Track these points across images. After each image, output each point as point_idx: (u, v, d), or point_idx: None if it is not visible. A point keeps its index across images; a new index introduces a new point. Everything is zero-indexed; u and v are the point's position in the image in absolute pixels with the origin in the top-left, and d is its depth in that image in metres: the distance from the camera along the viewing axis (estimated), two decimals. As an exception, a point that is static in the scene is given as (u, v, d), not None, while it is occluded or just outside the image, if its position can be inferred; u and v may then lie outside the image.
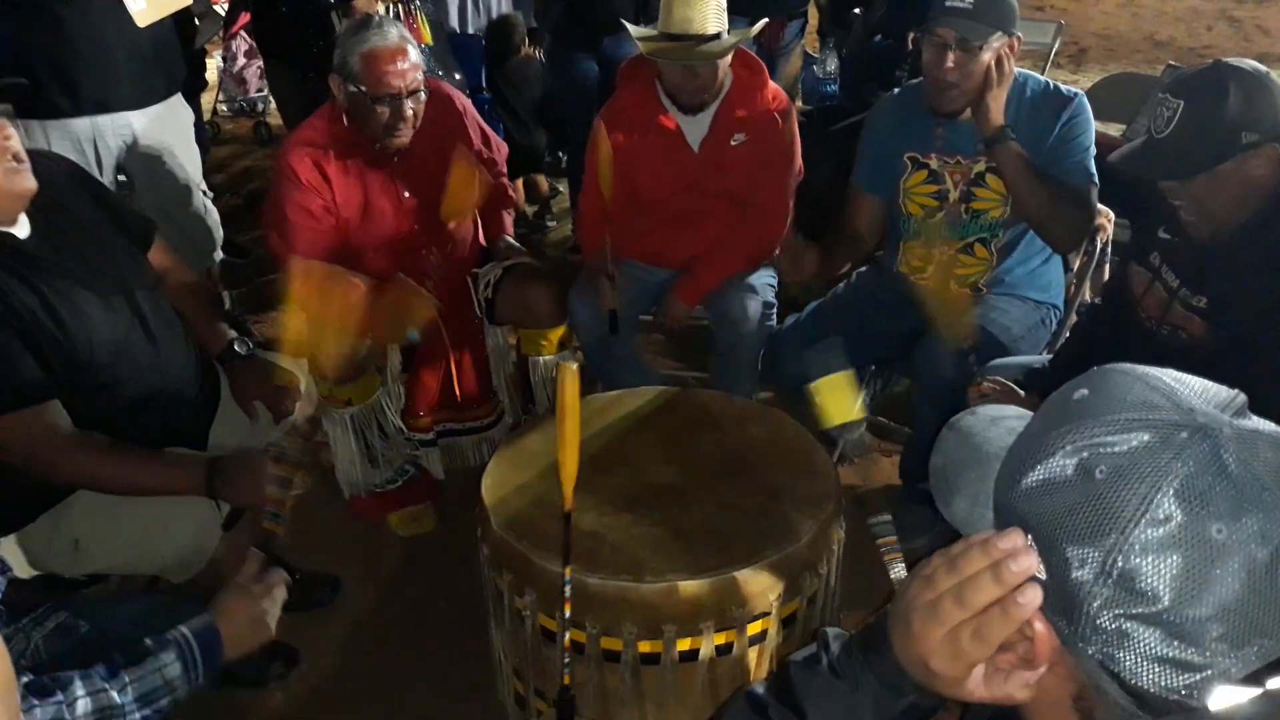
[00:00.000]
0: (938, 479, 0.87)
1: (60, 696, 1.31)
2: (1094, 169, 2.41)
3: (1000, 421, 0.82)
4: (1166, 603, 0.67)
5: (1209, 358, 1.90)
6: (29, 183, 1.82)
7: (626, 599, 1.72)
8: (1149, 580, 0.68)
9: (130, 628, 1.66)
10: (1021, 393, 2.19)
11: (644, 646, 1.74)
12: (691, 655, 1.75)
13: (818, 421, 1.81)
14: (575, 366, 1.66)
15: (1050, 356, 2.41)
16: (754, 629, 1.77)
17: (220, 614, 1.54)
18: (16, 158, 1.80)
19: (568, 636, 1.71)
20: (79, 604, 1.73)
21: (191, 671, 1.45)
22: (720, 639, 1.75)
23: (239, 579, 1.62)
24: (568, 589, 1.68)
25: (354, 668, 2.40)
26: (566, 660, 1.72)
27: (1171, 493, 0.68)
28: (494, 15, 4.65)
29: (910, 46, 4.04)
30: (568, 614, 1.69)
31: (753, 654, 1.80)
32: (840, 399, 1.80)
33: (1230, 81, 1.75)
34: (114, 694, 1.36)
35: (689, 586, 1.71)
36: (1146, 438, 0.70)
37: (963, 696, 0.79)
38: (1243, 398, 0.74)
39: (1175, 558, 0.67)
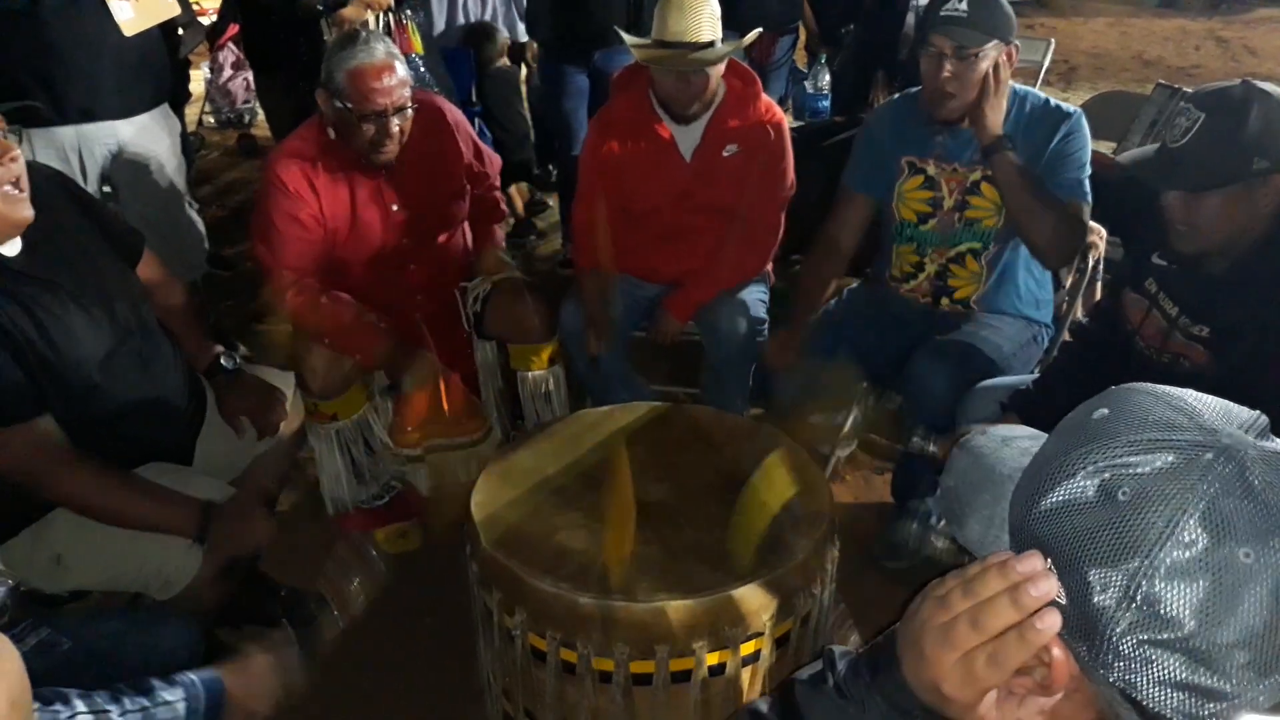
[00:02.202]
0: (949, 500, 0.85)
1: (60, 708, 1.28)
2: (1088, 187, 2.41)
3: (1012, 442, 0.81)
4: (1191, 628, 0.66)
5: (1213, 386, 1.87)
6: (26, 212, 1.76)
7: (618, 619, 1.70)
8: (1174, 605, 0.66)
9: (113, 646, 1.64)
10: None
11: (636, 667, 1.71)
12: (684, 676, 1.72)
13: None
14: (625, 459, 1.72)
15: (1036, 377, 2.40)
16: (747, 649, 1.75)
17: (231, 675, 1.50)
18: (18, 184, 1.74)
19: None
20: (60, 620, 1.69)
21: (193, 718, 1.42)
22: (713, 659, 1.72)
23: (264, 649, 1.58)
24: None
25: (339, 685, 2.36)
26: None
27: (1198, 515, 0.66)
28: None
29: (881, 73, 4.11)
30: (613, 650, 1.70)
31: (746, 674, 1.77)
32: (778, 483, 1.86)
33: (1255, 103, 1.72)
34: (115, 717, 1.33)
35: (681, 606, 1.69)
36: (1171, 459, 0.69)
37: None
38: (1265, 419, 0.73)
39: (1201, 582, 0.66)
